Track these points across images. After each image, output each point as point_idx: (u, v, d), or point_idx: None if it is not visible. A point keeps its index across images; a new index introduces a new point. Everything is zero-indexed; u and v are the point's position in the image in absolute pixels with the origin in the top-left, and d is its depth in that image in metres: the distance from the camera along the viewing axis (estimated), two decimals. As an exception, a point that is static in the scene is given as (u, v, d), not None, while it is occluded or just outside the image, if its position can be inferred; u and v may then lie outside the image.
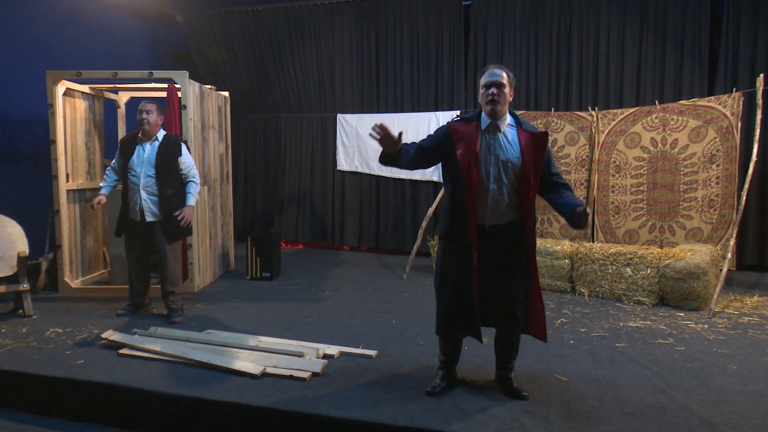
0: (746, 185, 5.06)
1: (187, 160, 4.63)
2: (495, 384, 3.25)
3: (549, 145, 3.00)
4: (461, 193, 2.91)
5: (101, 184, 4.77)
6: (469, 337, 3.09)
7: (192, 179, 4.64)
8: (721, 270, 4.96)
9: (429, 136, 3.10)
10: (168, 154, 4.54)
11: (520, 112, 6.78)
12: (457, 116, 3.11)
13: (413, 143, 3.01)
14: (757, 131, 5.24)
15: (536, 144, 2.93)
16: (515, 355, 3.20)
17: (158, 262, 4.65)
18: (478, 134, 2.94)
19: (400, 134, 2.75)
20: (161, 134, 4.60)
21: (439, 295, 3.11)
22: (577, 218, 2.83)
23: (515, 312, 3.01)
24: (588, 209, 2.83)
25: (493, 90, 2.89)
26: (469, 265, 2.91)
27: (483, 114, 3.00)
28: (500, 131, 2.96)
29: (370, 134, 2.72)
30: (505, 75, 2.92)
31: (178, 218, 4.47)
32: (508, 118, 3.00)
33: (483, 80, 2.96)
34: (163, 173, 4.50)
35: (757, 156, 5.30)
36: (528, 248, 2.95)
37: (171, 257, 4.61)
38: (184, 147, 4.66)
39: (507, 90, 2.93)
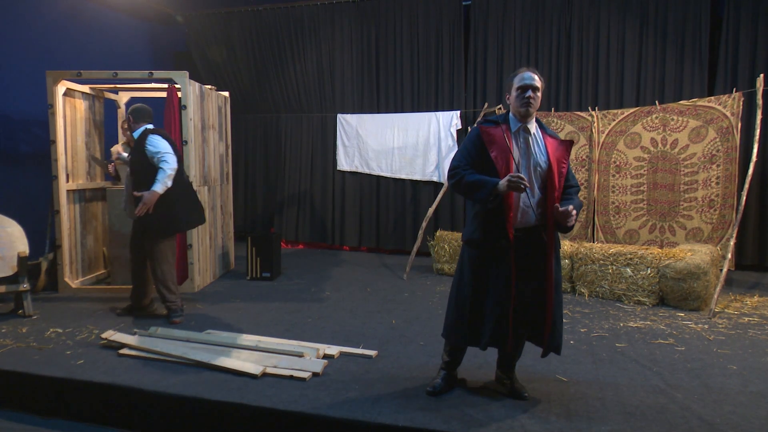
0: (746, 185, 5.06)
1: (153, 148, 4.32)
2: (495, 384, 3.25)
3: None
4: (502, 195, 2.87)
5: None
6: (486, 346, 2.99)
7: (162, 164, 4.28)
8: (721, 270, 4.96)
9: (464, 147, 3.02)
10: (138, 152, 4.43)
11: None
12: (482, 118, 3.07)
13: (468, 166, 2.95)
14: (757, 131, 5.24)
15: (562, 150, 2.96)
16: (518, 357, 3.20)
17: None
18: (509, 137, 2.92)
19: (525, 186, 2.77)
20: (137, 133, 4.51)
21: (461, 301, 3.02)
22: (557, 216, 2.83)
23: (534, 319, 2.97)
24: (567, 209, 2.78)
25: (530, 93, 2.87)
26: (507, 271, 2.87)
27: (511, 117, 2.97)
28: (530, 134, 2.95)
29: (515, 186, 2.71)
30: (538, 78, 2.91)
31: (140, 209, 4.22)
32: (535, 123, 3.00)
33: (516, 83, 2.91)
34: (137, 172, 4.42)
35: (757, 156, 5.30)
36: (549, 252, 2.91)
37: (156, 258, 4.46)
38: (152, 137, 4.38)
39: (539, 94, 2.92)
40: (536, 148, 2.94)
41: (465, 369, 3.44)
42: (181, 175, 4.55)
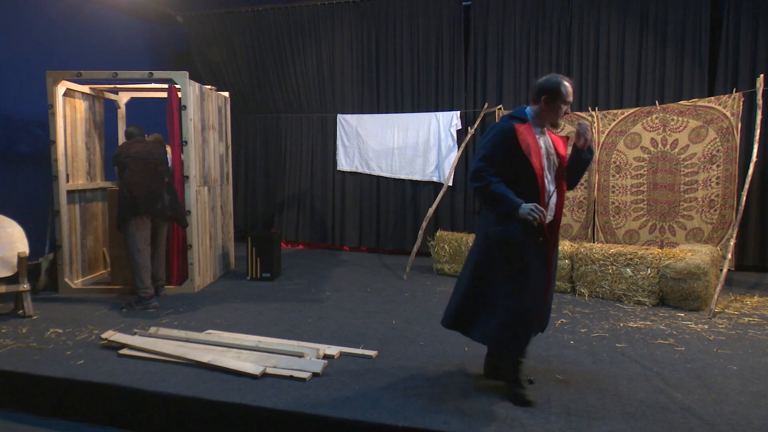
0: (746, 185, 5.06)
1: None
2: (489, 370, 3.35)
3: None
4: (534, 195, 2.92)
5: None
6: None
7: None
8: (721, 270, 4.96)
9: (491, 146, 2.97)
10: None
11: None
12: (508, 115, 3.11)
13: (492, 169, 2.94)
14: (758, 132, 5.24)
15: (564, 146, 3.21)
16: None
17: None
18: (536, 136, 3.04)
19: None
20: None
21: (525, 298, 2.97)
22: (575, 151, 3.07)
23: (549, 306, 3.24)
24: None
25: (568, 109, 3.06)
26: (545, 266, 3.04)
27: (533, 118, 3.07)
28: (545, 135, 3.12)
29: (533, 219, 2.85)
30: None
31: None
32: None
33: (565, 96, 2.98)
34: None
35: (758, 156, 5.30)
36: (555, 242, 3.16)
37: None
38: None
39: None
40: (552, 148, 3.12)
41: (465, 366, 3.44)
42: (143, 165, 4.97)
